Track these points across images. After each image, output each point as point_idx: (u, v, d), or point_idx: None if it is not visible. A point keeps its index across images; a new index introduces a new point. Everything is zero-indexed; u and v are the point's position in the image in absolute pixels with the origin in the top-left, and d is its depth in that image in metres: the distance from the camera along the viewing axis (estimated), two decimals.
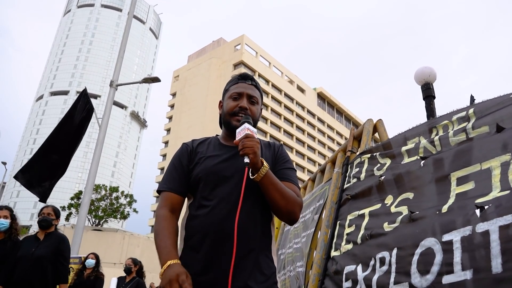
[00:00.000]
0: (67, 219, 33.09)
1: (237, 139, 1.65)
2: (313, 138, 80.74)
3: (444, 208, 2.00)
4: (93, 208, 32.84)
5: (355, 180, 3.09)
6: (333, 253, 2.88)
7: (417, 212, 2.17)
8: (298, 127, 77.68)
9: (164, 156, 72.90)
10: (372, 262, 2.32)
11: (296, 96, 78.89)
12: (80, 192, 34.34)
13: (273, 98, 73.30)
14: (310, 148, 79.21)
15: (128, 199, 37.20)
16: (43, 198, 6.57)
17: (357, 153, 3.43)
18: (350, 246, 2.68)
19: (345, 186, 3.22)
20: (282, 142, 69.71)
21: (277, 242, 5.06)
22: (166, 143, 74.40)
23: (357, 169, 3.14)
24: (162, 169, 71.64)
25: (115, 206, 35.86)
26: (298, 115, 78.40)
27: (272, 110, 72.69)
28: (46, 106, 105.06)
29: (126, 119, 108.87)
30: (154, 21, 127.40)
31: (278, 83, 75.53)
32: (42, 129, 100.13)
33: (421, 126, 2.65)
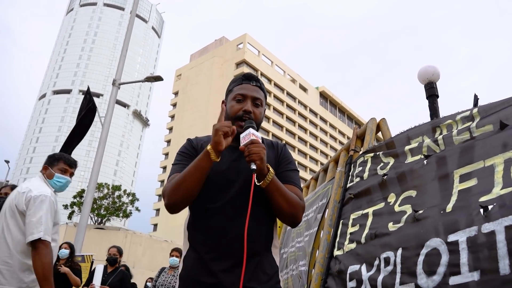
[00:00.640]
0: (69, 217, 33.20)
1: (241, 144, 1.63)
2: (316, 137, 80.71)
3: (449, 208, 1.99)
4: (95, 206, 32.92)
5: (358, 179, 3.08)
6: (336, 253, 2.87)
7: (421, 212, 2.15)
8: (300, 126, 77.67)
9: (167, 155, 73.01)
10: (376, 262, 2.31)
11: (298, 95, 78.86)
12: (83, 191, 34.41)
13: (275, 97, 73.29)
14: (313, 147, 79.19)
15: (130, 198, 37.28)
16: None
17: (360, 152, 3.42)
18: (353, 245, 2.67)
19: (348, 185, 3.21)
20: (284, 141, 69.72)
21: (280, 241, 5.05)
22: (169, 142, 74.51)
23: (360, 168, 3.13)
24: (164, 167, 71.75)
25: (117, 205, 35.95)
26: (300, 114, 78.38)
27: (275, 109, 72.68)
28: (49, 105, 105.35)
29: (128, 118, 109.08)
30: (156, 20, 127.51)
31: (281, 82, 75.50)
32: (45, 127, 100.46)
33: (425, 125, 2.64)
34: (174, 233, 48.70)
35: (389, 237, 2.31)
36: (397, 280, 2.05)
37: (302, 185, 5.51)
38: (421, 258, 1.96)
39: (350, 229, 2.82)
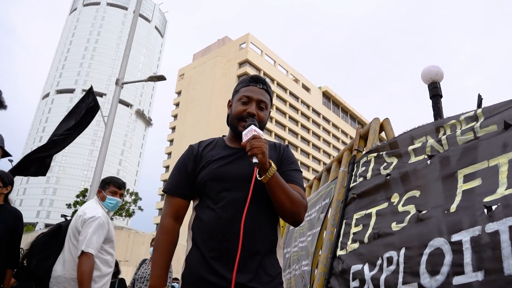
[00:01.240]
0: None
1: (244, 140, 1.65)
2: (318, 137, 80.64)
3: (452, 208, 1.98)
4: None
5: (361, 179, 3.07)
6: (339, 252, 2.87)
7: (424, 212, 2.15)
8: (303, 126, 77.60)
9: (169, 154, 73.12)
10: (379, 262, 2.30)
11: (301, 94, 78.79)
12: (86, 190, 34.51)
13: (278, 96, 73.24)
14: (315, 147, 79.11)
15: (133, 197, 37.34)
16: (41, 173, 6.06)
17: (364, 152, 3.41)
18: (356, 245, 2.67)
19: (351, 185, 3.20)
20: (287, 141, 69.76)
21: (283, 241, 5.05)
22: (171, 141, 74.60)
23: (364, 168, 3.13)
24: (167, 167, 71.87)
25: (120, 204, 35.97)
26: (303, 114, 78.32)
27: (277, 109, 72.63)
28: (52, 104, 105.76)
29: (131, 117, 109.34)
30: (159, 19, 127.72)
31: (283, 81, 75.45)
32: (48, 127, 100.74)
33: (428, 125, 2.64)
34: None
35: (392, 237, 2.31)
36: (400, 279, 2.04)
37: (305, 185, 5.51)
38: (424, 258, 1.96)
39: (353, 229, 2.81)
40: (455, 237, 1.84)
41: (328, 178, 4.44)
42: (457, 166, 2.15)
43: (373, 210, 2.67)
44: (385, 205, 2.58)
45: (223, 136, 1.97)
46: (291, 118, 75.22)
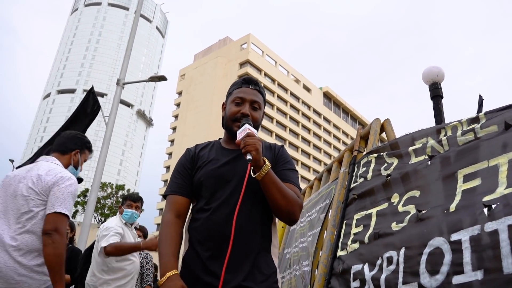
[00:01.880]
0: (73, 216, 33.37)
1: (238, 139, 1.67)
2: (319, 137, 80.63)
3: (452, 207, 1.99)
4: (99, 206, 33.07)
5: (362, 179, 3.08)
6: (340, 253, 2.87)
7: (424, 211, 2.16)
8: (304, 126, 77.61)
9: (170, 154, 73.15)
10: (379, 262, 2.31)
11: (302, 95, 78.80)
12: (87, 190, 34.54)
13: (279, 97, 73.25)
14: (316, 147, 79.11)
15: None
16: None
17: (364, 153, 3.42)
18: (356, 245, 2.68)
19: (352, 185, 3.21)
20: (287, 141, 69.75)
21: (283, 241, 5.06)
22: (172, 141, 74.64)
23: (364, 168, 3.13)
24: (168, 167, 71.89)
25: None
26: (304, 114, 78.32)
27: (278, 109, 72.63)
28: (53, 104, 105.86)
29: (132, 117, 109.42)
30: (160, 20, 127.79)
31: (284, 82, 75.46)
32: (49, 127, 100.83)
33: (430, 128, 2.65)
34: None
35: (392, 237, 2.31)
36: (400, 279, 2.05)
37: (305, 185, 5.51)
38: (424, 257, 1.96)
39: (354, 230, 2.82)
40: (454, 237, 1.85)
41: (328, 179, 4.45)
42: (457, 166, 2.16)
43: (374, 211, 2.68)
44: (386, 205, 2.59)
45: (219, 138, 2.00)
46: (291, 118, 75.22)
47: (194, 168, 1.84)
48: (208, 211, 1.71)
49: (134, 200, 4.25)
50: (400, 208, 2.40)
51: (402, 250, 2.13)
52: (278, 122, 71.85)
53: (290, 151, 68.01)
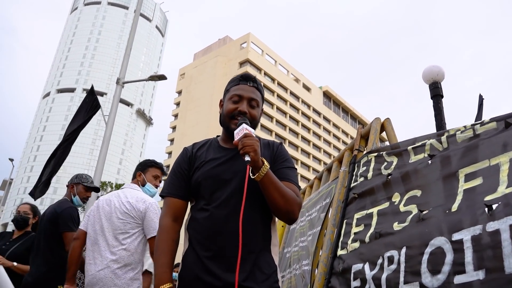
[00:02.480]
0: None
1: (235, 139, 1.66)
2: (319, 136, 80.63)
3: (454, 207, 1.98)
4: None
5: (362, 179, 3.07)
6: (340, 252, 2.87)
7: (426, 211, 2.15)
8: (303, 126, 77.60)
9: (170, 153, 73.14)
10: (380, 261, 2.30)
11: (301, 94, 78.78)
12: None
13: (278, 96, 73.22)
14: (316, 146, 79.11)
15: None
16: (39, 194, 6.15)
17: (364, 152, 3.41)
18: (357, 244, 2.67)
19: (352, 184, 3.20)
20: (287, 140, 69.74)
21: (283, 240, 5.05)
22: (172, 140, 74.63)
23: (364, 168, 3.13)
24: (167, 166, 71.78)
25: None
26: (303, 114, 78.31)
27: (278, 109, 72.62)
28: (53, 103, 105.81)
29: (132, 116, 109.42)
30: (160, 19, 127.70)
31: (284, 81, 75.42)
32: (49, 126, 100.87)
33: (432, 134, 2.65)
34: None
35: (393, 236, 2.31)
36: (401, 279, 2.04)
37: (305, 185, 5.51)
38: (425, 257, 1.96)
39: (354, 229, 2.81)
40: (456, 236, 1.84)
41: (328, 178, 4.44)
42: (458, 165, 2.15)
43: (375, 210, 2.67)
44: (387, 204, 2.58)
45: (217, 136, 1.98)
46: (291, 117, 75.20)
47: (191, 168, 1.82)
48: (207, 211, 1.70)
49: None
50: (402, 208, 2.39)
51: (403, 250, 2.13)
52: (277, 121, 71.82)
53: (290, 151, 67.98)
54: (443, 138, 2.37)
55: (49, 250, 3.57)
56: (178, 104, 77.89)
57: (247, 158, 1.57)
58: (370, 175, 2.99)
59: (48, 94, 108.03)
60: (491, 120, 2.16)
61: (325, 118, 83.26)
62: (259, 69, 69.89)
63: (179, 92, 78.98)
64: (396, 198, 2.52)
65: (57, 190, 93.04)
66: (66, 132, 6.78)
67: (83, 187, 3.97)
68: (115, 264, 2.85)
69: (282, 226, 5.22)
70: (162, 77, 12.03)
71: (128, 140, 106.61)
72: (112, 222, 2.99)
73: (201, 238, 1.68)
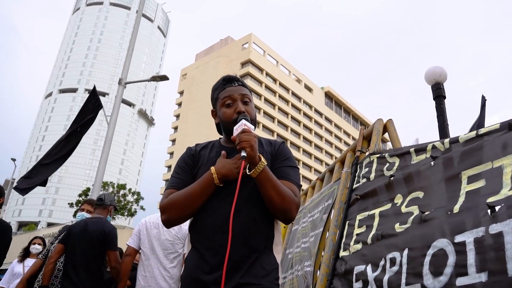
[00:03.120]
0: (75, 215, 33.41)
1: (234, 135, 1.66)
2: (321, 137, 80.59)
3: (456, 209, 1.98)
4: None
5: (364, 180, 3.07)
6: (342, 253, 2.87)
7: (428, 213, 2.15)
8: (305, 126, 77.58)
9: (171, 154, 73.20)
10: (382, 263, 2.30)
11: (303, 95, 78.76)
12: (88, 189, 34.62)
13: (280, 97, 73.21)
14: (317, 147, 79.08)
15: (135, 197, 37.46)
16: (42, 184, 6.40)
17: (367, 153, 3.41)
18: (359, 246, 2.67)
19: (354, 186, 3.20)
20: (289, 141, 69.72)
21: (285, 241, 5.05)
22: (174, 141, 74.71)
23: (367, 169, 3.12)
24: (169, 166, 71.93)
25: (122, 204, 36.12)
26: (305, 114, 78.29)
27: (280, 109, 72.61)
28: (55, 103, 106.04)
29: (134, 117, 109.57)
30: (162, 19, 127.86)
31: (286, 82, 75.41)
32: (51, 126, 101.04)
33: (436, 140, 2.64)
34: None
35: (395, 238, 2.30)
36: (403, 280, 2.04)
37: (307, 186, 5.51)
38: (427, 259, 1.96)
39: (356, 230, 2.81)
40: (458, 238, 1.84)
41: (331, 179, 4.44)
42: (461, 167, 2.15)
43: (376, 211, 2.67)
44: (389, 206, 2.58)
45: (220, 138, 1.98)
46: (293, 118, 75.19)
47: (195, 166, 1.83)
48: (209, 209, 1.70)
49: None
50: (404, 209, 2.39)
51: (406, 251, 2.13)
52: (279, 122, 71.82)
53: (292, 151, 67.80)
54: (446, 140, 2.37)
55: (96, 266, 3.95)
56: (179, 104, 77.97)
57: (243, 154, 1.57)
58: (372, 176, 2.98)
59: (50, 94, 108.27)
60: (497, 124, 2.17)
61: (326, 119, 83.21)
62: (261, 70, 69.92)
63: (181, 93, 79.06)
64: (398, 199, 2.52)
65: (59, 190, 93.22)
66: (67, 131, 6.81)
67: (114, 209, 4.52)
68: (171, 280, 3.49)
69: (284, 227, 5.22)
70: (164, 78, 12.04)
71: (130, 140, 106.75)
72: (161, 243, 3.54)
73: (202, 237, 1.69)
